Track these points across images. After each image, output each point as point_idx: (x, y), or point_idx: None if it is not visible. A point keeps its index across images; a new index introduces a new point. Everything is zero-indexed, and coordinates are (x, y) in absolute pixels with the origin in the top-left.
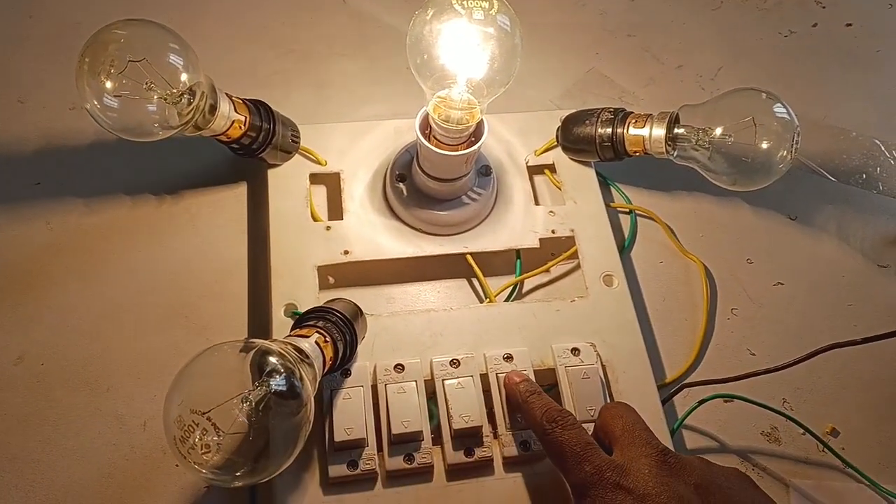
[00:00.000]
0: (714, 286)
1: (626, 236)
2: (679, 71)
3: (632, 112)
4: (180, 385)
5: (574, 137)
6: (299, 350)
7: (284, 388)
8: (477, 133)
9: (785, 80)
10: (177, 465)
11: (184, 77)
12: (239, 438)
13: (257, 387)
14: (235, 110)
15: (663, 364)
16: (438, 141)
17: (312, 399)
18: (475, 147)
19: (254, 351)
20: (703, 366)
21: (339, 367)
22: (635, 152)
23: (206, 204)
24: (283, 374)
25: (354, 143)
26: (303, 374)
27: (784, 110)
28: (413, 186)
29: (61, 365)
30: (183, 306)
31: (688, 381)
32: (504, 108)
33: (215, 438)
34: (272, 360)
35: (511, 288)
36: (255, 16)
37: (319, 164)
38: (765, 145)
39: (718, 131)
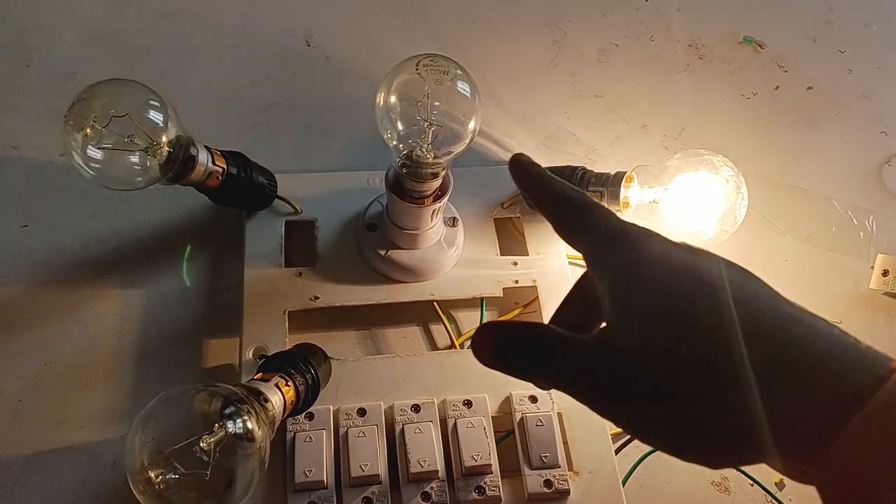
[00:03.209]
0: None
1: None
2: (644, 130)
3: (591, 170)
4: (142, 425)
5: None
6: (259, 394)
7: (241, 431)
8: (443, 187)
9: (747, 140)
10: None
11: (164, 131)
12: (197, 478)
13: (216, 429)
14: (214, 161)
15: None
16: (406, 195)
17: (268, 442)
18: (441, 202)
19: (214, 394)
20: None
21: (302, 409)
22: None
23: (184, 247)
24: (241, 417)
25: (329, 193)
26: (260, 417)
27: (732, 172)
28: (383, 235)
29: (37, 401)
30: (155, 348)
31: None
32: (475, 161)
33: (174, 477)
34: (230, 403)
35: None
36: (237, 71)
37: (295, 211)
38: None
39: (668, 191)
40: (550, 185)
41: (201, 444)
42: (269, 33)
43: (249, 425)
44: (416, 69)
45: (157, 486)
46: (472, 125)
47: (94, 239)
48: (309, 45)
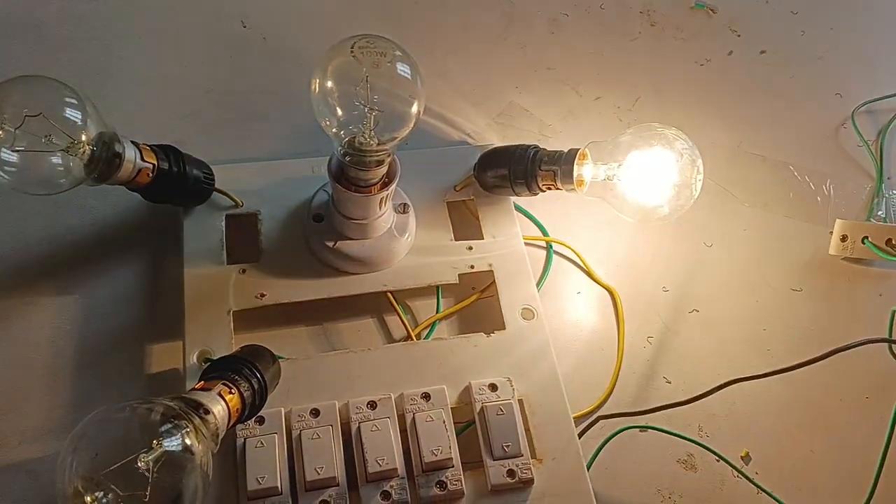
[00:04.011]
0: (629, 315)
1: (543, 268)
2: (597, 102)
3: (544, 149)
4: (73, 446)
5: (490, 174)
6: (198, 405)
7: (179, 448)
8: (390, 174)
9: (702, 108)
10: None
11: (83, 129)
12: (137, 500)
13: (152, 447)
14: (142, 157)
15: (580, 395)
16: (351, 183)
17: (210, 456)
18: (389, 189)
19: (150, 410)
20: (619, 395)
21: (249, 416)
22: (548, 187)
23: (118, 247)
24: (178, 433)
25: (271, 183)
26: (200, 431)
27: (686, 145)
28: (331, 226)
29: None
30: (94, 356)
31: (603, 412)
32: (423, 143)
33: (111, 498)
34: (166, 419)
35: (430, 324)
36: (167, 57)
37: (236, 204)
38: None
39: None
40: None
41: (139, 463)
42: (202, 14)
43: (188, 441)
44: (352, 51)
45: None
46: (415, 108)
47: (24, 244)
48: (245, 27)
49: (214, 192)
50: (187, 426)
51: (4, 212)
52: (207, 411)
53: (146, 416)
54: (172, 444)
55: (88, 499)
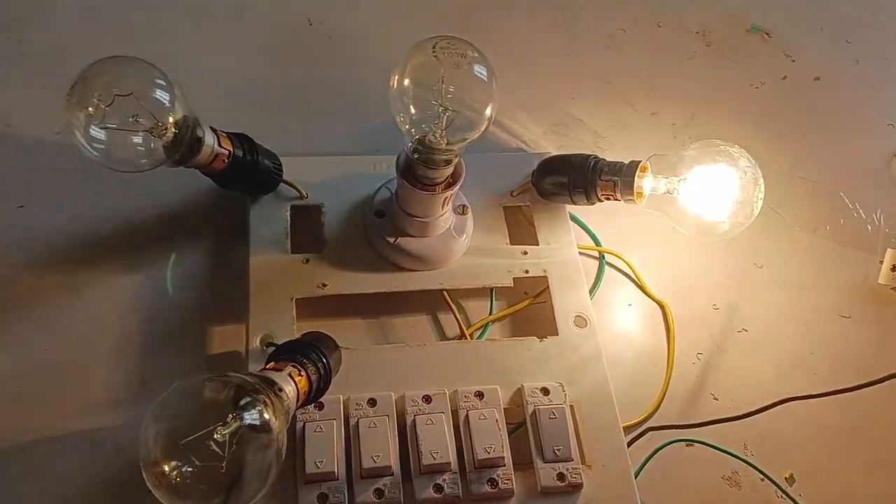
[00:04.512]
0: (680, 330)
1: (595, 278)
2: (653, 118)
3: (604, 159)
4: (155, 417)
5: (549, 181)
6: (273, 383)
7: (257, 422)
8: (455, 175)
9: (754, 130)
10: (148, 492)
11: (170, 111)
12: (212, 470)
13: (231, 420)
14: (220, 144)
15: (628, 406)
16: (417, 181)
17: (284, 432)
18: (454, 189)
19: (228, 384)
20: (667, 408)
21: (313, 400)
22: (606, 198)
23: (186, 230)
24: (256, 408)
25: (336, 177)
26: (275, 407)
27: (749, 163)
28: (392, 222)
29: (37, 387)
30: (158, 334)
31: (652, 424)
32: (482, 148)
33: (189, 469)
34: (245, 392)
35: (484, 325)
36: (238, 50)
37: (301, 196)
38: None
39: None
40: None
41: (216, 436)
42: (271, 10)
43: (266, 416)
44: (433, 51)
45: (171, 479)
46: (488, 111)
47: (95, 221)
48: (311, 24)
49: (281, 183)
50: (265, 401)
51: (77, 187)
52: (281, 389)
53: (226, 389)
54: (251, 417)
55: (166, 467)
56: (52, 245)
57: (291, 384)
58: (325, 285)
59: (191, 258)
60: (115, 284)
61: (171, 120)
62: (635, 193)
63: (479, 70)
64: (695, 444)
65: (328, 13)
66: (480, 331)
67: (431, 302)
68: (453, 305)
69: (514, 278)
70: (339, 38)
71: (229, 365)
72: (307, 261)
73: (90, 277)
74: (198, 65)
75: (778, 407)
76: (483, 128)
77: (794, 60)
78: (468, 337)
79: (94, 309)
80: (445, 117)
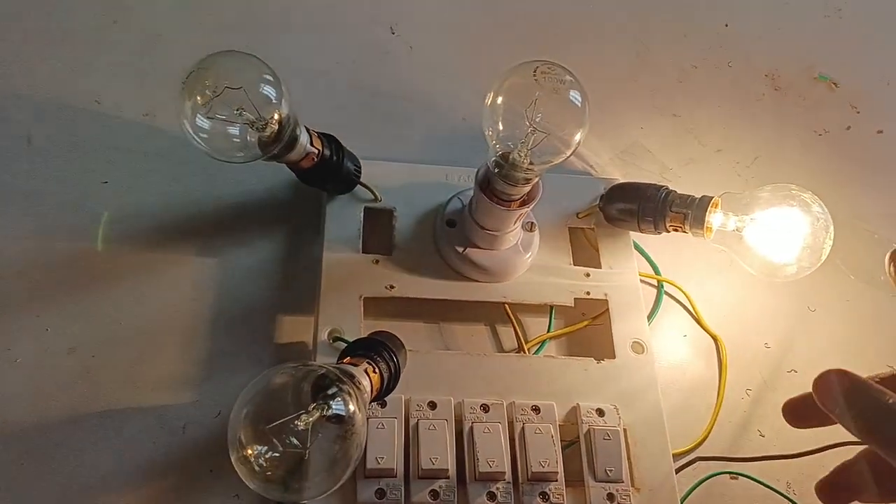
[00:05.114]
0: (731, 365)
1: (653, 306)
2: (718, 155)
3: (675, 191)
4: (246, 400)
5: (618, 207)
6: (352, 376)
7: (342, 412)
8: (532, 194)
9: (816, 176)
10: (211, 471)
11: (276, 108)
12: (294, 456)
13: (315, 407)
14: (311, 143)
15: (677, 434)
16: (494, 195)
17: (365, 425)
18: (528, 207)
19: (314, 373)
20: (714, 440)
21: (381, 396)
22: (675, 229)
23: (264, 220)
24: (341, 398)
25: (409, 184)
26: (358, 399)
27: (822, 210)
28: (462, 232)
29: (110, 360)
30: (227, 319)
31: (700, 454)
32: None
33: (273, 454)
34: (331, 383)
35: (542, 341)
36: (322, 52)
37: (375, 199)
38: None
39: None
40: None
41: (299, 424)
42: (356, 17)
43: (351, 407)
44: (534, 74)
45: (254, 462)
46: (577, 137)
47: (174, 204)
48: (393, 33)
49: (358, 185)
50: (350, 392)
51: (159, 170)
52: (360, 382)
53: (314, 377)
54: (338, 407)
55: (250, 451)
56: (133, 223)
57: (367, 379)
58: (392, 287)
59: (266, 248)
60: (191, 266)
61: (275, 117)
62: (705, 228)
63: (574, 96)
64: (740, 477)
65: (410, 25)
66: (538, 346)
67: (492, 313)
68: (514, 319)
69: (574, 298)
70: (418, 49)
71: (297, 355)
72: (377, 262)
73: (167, 258)
74: (284, 63)
75: (828, 451)
76: (568, 153)
77: (858, 112)
78: (526, 351)
79: (169, 289)
80: (533, 138)
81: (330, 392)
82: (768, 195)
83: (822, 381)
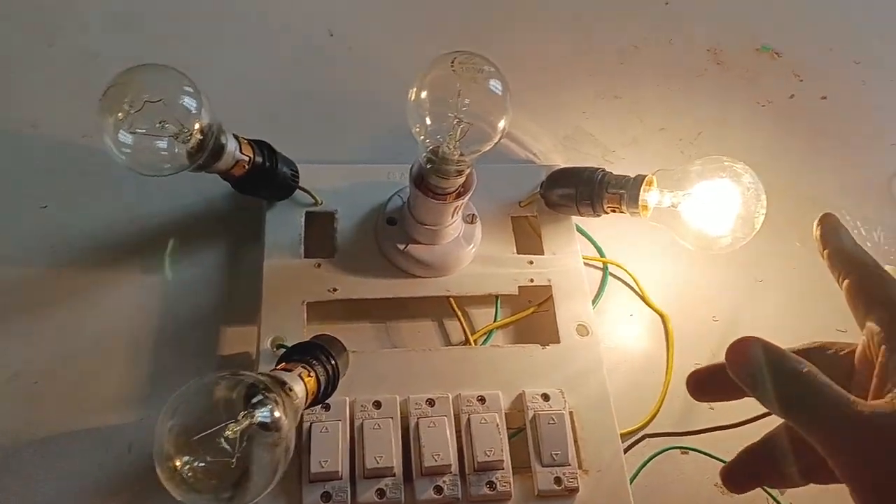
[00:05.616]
0: (679, 341)
1: (599, 288)
2: (661, 133)
3: (611, 173)
4: (170, 413)
5: (557, 193)
6: (283, 383)
7: (268, 420)
8: (466, 185)
9: (761, 147)
10: (158, 490)
11: (196, 118)
12: (223, 465)
13: (242, 417)
14: (241, 150)
15: (626, 413)
16: (429, 190)
17: (293, 431)
18: (464, 199)
19: (241, 382)
20: (664, 417)
21: (321, 400)
22: (612, 210)
23: (202, 233)
24: (267, 406)
25: (352, 185)
26: (286, 406)
27: (752, 180)
28: (402, 230)
29: (53, 384)
30: (172, 334)
31: (649, 431)
32: (493, 159)
33: (200, 464)
34: (257, 392)
35: (488, 332)
36: (258, 59)
37: (316, 202)
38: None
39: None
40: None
41: (227, 433)
42: (292, 21)
43: (276, 414)
44: (452, 66)
45: (183, 474)
46: (501, 124)
47: (114, 222)
48: (331, 35)
49: (297, 189)
50: (276, 400)
51: (98, 189)
52: (291, 389)
53: (239, 387)
54: (262, 415)
55: (178, 462)
56: (73, 245)
57: (301, 384)
58: (335, 290)
59: (208, 261)
60: (133, 284)
61: (196, 126)
62: (640, 207)
63: (495, 84)
64: (689, 451)
65: (349, 25)
66: (485, 337)
67: (438, 308)
68: (459, 312)
69: (519, 286)
70: (357, 49)
71: (240, 366)
72: (319, 265)
73: (108, 277)
74: (221, 72)
75: (769, 416)
76: (495, 140)
77: (801, 80)
78: (473, 343)
79: (111, 308)
80: (460, 129)
81: (255, 401)
82: (700, 168)
83: (736, 350)
